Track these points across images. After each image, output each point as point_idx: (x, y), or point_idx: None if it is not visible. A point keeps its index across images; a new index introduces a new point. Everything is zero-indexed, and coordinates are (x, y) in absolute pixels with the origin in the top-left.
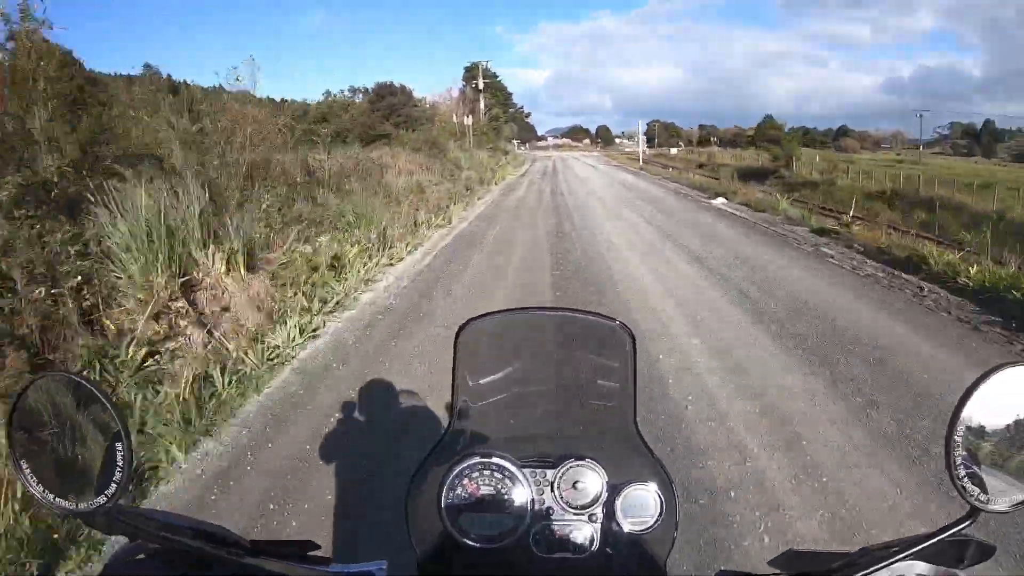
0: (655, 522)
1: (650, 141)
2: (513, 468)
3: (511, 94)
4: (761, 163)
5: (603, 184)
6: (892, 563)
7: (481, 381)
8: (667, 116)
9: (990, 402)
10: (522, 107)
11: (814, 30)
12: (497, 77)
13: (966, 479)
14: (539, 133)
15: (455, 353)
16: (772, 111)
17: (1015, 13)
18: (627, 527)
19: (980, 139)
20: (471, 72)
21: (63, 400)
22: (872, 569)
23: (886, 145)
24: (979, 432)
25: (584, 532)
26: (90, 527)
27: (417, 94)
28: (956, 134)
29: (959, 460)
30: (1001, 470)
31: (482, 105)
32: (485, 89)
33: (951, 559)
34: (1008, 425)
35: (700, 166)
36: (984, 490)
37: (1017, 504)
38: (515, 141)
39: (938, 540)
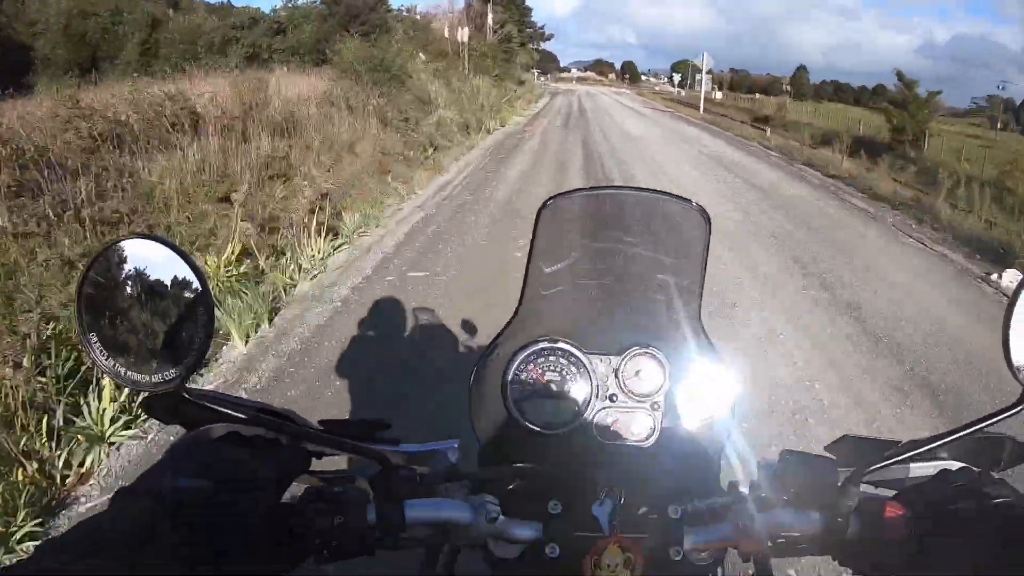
0: (714, 412)
1: (671, 80)
2: (579, 354)
3: (530, 9)
4: (862, 130)
5: (679, 157)
6: (931, 459)
7: (550, 267)
8: (693, 57)
9: None
10: (543, 27)
11: None
12: None
13: (1021, 363)
14: (562, 64)
15: (533, 234)
16: (800, 62)
17: None
18: (687, 416)
19: (1019, 114)
20: None
21: (141, 265)
22: (906, 457)
23: None
24: None
25: (645, 421)
26: (152, 415)
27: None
28: (995, 107)
29: (1014, 344)
30: None
31: (490, 20)
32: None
33: (988, 459)
34: None
35: (763, 120)
36: None
37: None
38: (534, 70)
39: (982, 430)
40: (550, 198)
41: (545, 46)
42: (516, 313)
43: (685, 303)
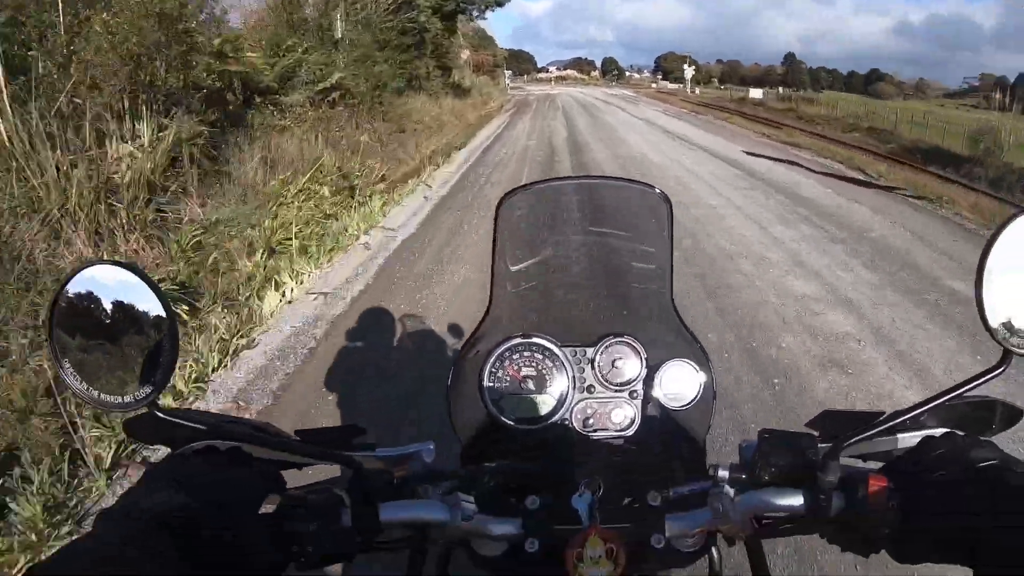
0: (693, 399)
1: (667, 75)
2: (554, 347)
3: None
4: None
5: None
6: (920, 427)
7: (519, 265)
8: (670, 52)
9: (1019, 246)
10: None
11: None
12: None
13: (997, 324)
14: (539, 65)
15: (495, 230)
16: (778, 51)
17: None
18: (666, 404)
19: (1015, 93)
20: None
21: (108, 290)
22: (890, 427)
23: (909, 91)
24: (1009, 276)
25: (625, 410)
26: (133, 437)
27: None
28: (987, 86)
29: (989, 305)
30: None
31: None
32: None
33: (980, 424)
34: None
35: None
36: (1015, 334)
37: None
38: (507, 72)
39: (971, 389)
40: (507, 193)
41: (519, 45)
42: (487, 312)
43: (656, 288)
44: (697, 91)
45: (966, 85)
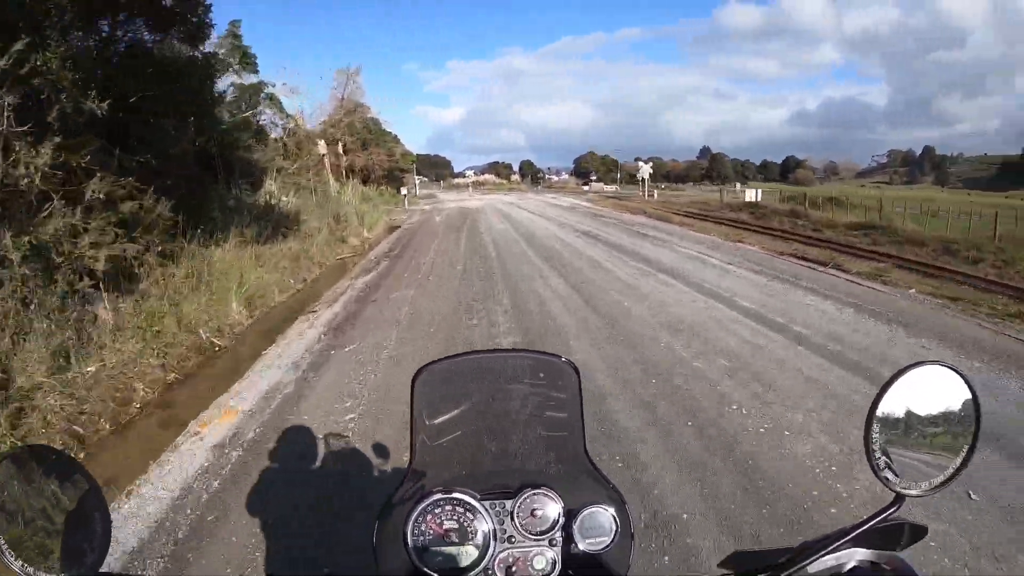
0: (612, 541)
1: (583, 175)
2: (473, 502)
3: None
4: None
5: None
6: (832, 552)
7: (438, 420)
8: (583, 152)
9: (904, 397)
10: None
11: (722, 66)
12: None
13: (886, 469)
14: (456, 169)
15: (412, 397)
16: (688, 145)
17: (914, 43)
18: (585, 548)
19: (922, 166)
20: None
21: (39, 472)
22: (814, 559)
23: (819, 175)
24: (895, 424)
25: (545, 556)
26: None
27: None
28: (896, 161)
29: (878, 451)
30: (917, 458)
31: None
32: None
33: (889, 542)
34: (921, 417)
35: None
36: (904, 477)
37: (935, 487)
38: (417, 179)
39: (872, 527)
40: (421, 368)
41: (436, 151)
42: (409, 466)
43: (569, 436)
44: (655, 195)
45: (875, 163)
